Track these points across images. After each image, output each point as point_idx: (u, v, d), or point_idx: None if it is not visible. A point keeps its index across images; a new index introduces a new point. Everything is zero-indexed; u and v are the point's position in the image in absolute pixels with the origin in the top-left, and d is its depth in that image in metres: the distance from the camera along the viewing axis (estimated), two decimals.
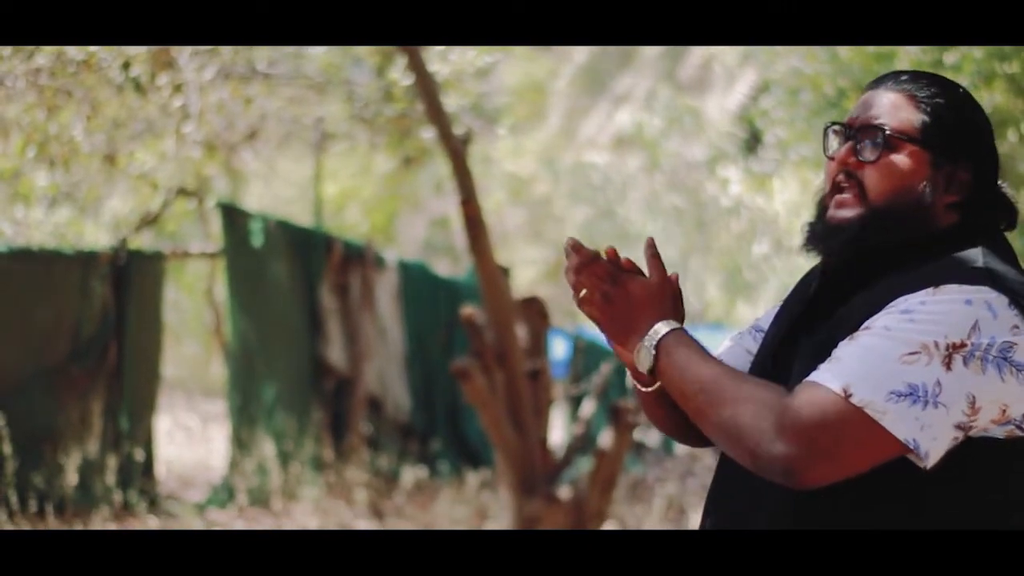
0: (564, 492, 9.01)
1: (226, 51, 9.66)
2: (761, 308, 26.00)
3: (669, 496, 12.37)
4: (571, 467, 9.41)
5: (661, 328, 2.58)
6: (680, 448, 16.08)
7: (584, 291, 2.63)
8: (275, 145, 11.91)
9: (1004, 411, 2.48)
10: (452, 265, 25.58)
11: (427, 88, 8.80)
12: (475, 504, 10.98)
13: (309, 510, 10.46)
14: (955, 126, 2.63)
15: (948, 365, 2.42)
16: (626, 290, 2.61)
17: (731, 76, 26.89)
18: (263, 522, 10.15)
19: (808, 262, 2.76)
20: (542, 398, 9.45)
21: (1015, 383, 2.47)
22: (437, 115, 8.81)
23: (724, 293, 25.45)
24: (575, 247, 2.63)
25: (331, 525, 10.07)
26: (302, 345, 11.69)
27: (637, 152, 25.72)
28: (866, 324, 2.49)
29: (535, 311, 9.74)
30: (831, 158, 2.68)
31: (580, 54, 28.40)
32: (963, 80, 10.43)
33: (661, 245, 24.33)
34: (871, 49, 12.02)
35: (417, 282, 13.37)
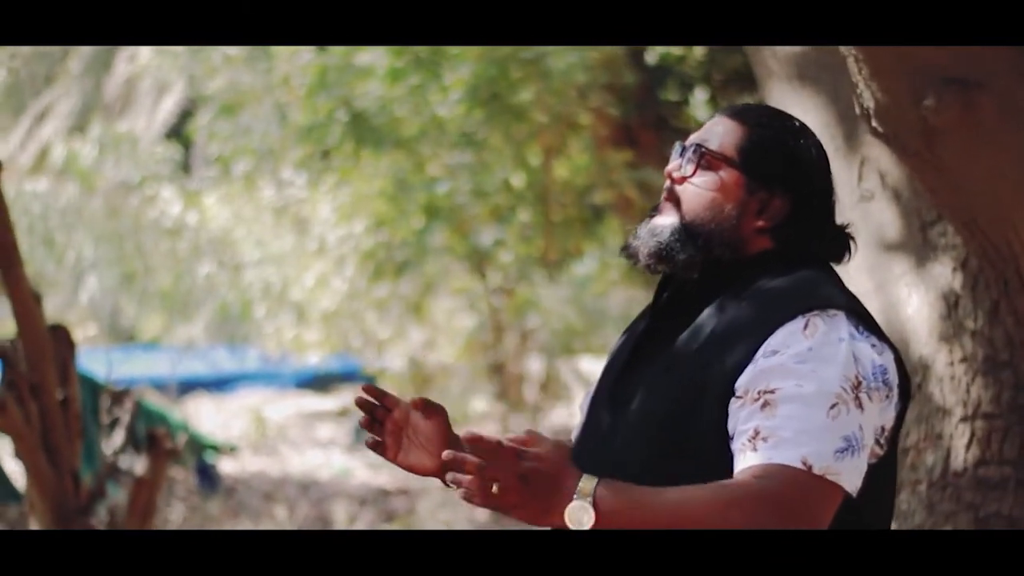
0: (101, 523, 8.90)
1: None
2: (201, 326, 25.92)
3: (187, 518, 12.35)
4: (106, 497, 9.28)
5: (585, 485, 2.43)
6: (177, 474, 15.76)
7: (496, 484, 2.39)
8: None
9: (883, 431, 2.64)
10: None
11: None
12: None
13: None
14: (776, 157, 2.73)
15: (860, 406, 2.54)
16: (537, 463, 2.42)
17: (160, 91, 26.67)
18: None
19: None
20: (72, 427, 9.26)
21: (888, 403, 2.62)
22: None
23: (161, 313, 25.20)
24: (473, 440, 2.39)
25: None
26: None
27: (65, 177, 25.04)
28: (760, 372, 2.55)
29: (62, 339, 9.53)
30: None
31: (2, 70, 27.39)
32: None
33: (97, 269, 23.86)
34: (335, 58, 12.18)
35: None
